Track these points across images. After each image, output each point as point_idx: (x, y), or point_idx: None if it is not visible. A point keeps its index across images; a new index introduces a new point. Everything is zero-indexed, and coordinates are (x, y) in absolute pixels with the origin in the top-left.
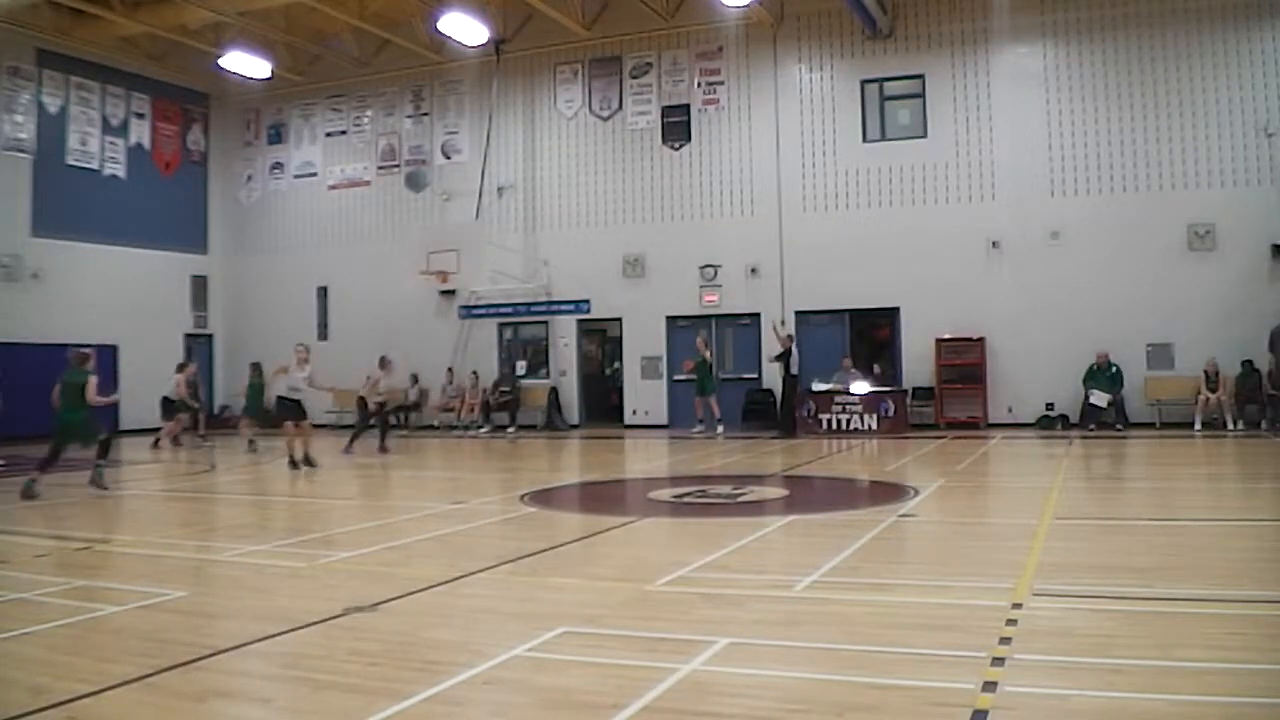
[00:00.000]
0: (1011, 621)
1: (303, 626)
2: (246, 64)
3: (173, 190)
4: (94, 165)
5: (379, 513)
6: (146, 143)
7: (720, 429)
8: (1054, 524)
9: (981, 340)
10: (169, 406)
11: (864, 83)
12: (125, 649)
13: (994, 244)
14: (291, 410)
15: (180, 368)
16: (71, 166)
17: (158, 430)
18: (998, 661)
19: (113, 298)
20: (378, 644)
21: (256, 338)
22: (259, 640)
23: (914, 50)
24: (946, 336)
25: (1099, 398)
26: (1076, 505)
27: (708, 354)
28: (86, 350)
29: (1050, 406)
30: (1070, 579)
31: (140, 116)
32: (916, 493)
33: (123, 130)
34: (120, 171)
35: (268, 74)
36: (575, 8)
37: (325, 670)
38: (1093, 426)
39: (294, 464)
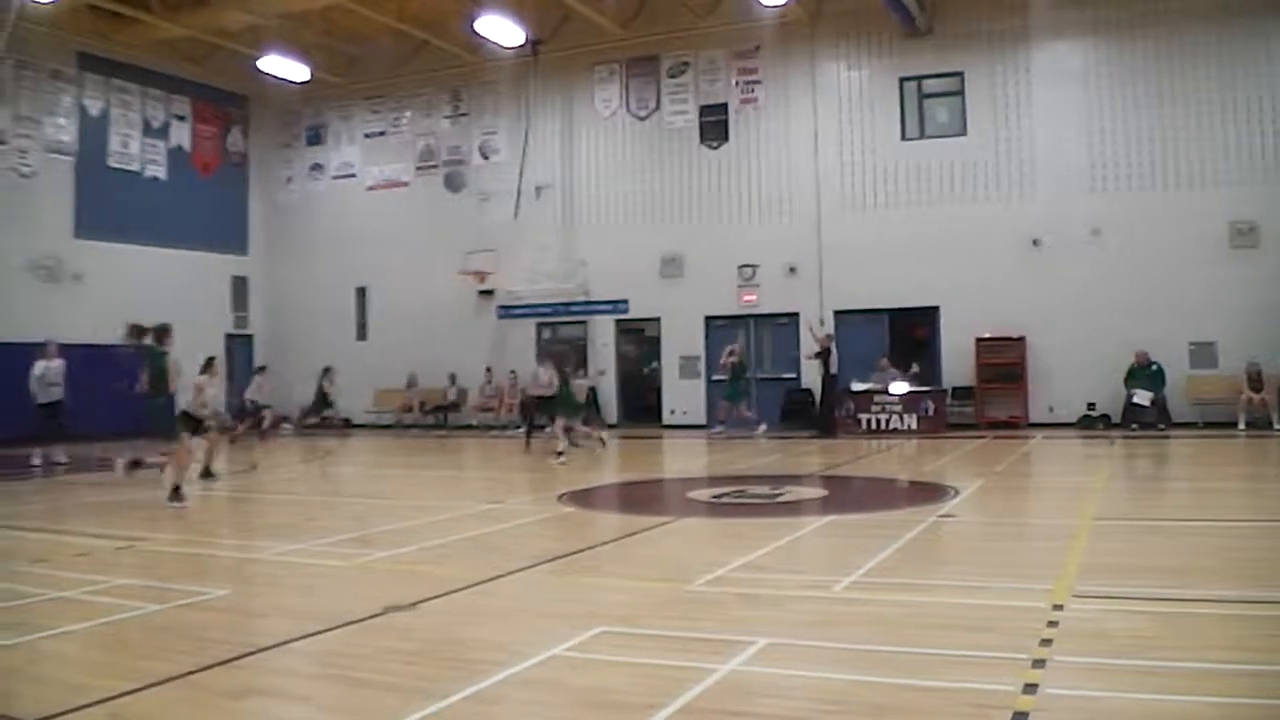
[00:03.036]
0: (1052, 623)
1: (342, 625)
2: (285, 66)
3: (213, 192)
4: (135, 167)
5: (416, 513)
6: (187, 145)
7: (762, 427)
8: (1095, 525)
9: (1022, 339)
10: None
11: (902, 80)
12: (166, 647)
13: (1034, 242)
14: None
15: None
16: (113, 169)
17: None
18: (1038, 663)
19: (154, 299)
20: (416, 643)
21: (296, 338)
22: (298, 639)
23: (952, 48)
24: (986, 336)
25: (1141, 397)
26: (1117, 506)
27: (732, 360)
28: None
29: (1092, 406)
30: (1111, 580)
31: (180, 119)
32: (956, 493)
33: (163, 132)
34: (161, 173)
35: (306, 76)
36: (612, 8)
37: (364, 669)
38: (1134, 426)
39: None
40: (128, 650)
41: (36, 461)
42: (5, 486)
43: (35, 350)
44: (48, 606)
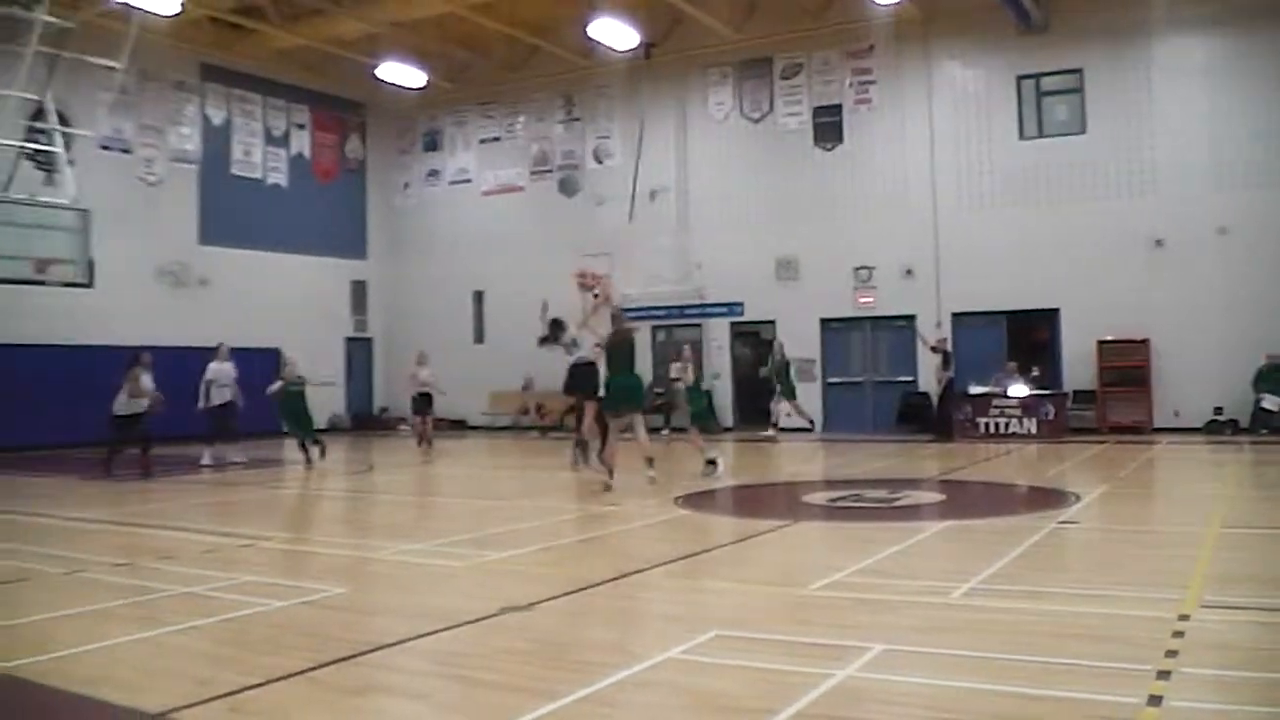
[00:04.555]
0: (1178, 634)
1: (459, 625)
2: (401, 74)
3: (332, 198)
4: (257, 175)
5: (533, 514)
6: (307, 152)
7: (814, 428)
8: (1222, 533)
9: (1145, 342)
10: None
11: (1019, 78)
12: (287, 643)
13: (1157, 242)
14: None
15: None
16: (235, 176)
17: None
18: (1163, 675)
19: (276, 302)
20: (532, 643)
21: (414, 340)
22: (416, 637)
23: (1070, 44)
24: (1108, 338)
25: (1271, 402)
26: (1246, 514)
27: (779, 357)
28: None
29: (1219, 411)
30: (1239, 590)
31: (300, 127)
32: (1078, 499)
33: (284, 141)
34: (282, 180)
35: (422, 83)
36: (723, 10)
37: (480, 668)
38: (1264, 432)
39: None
40: (250, 645)
41: (207, 460)
42: (135, 486)
43: (168, 354)
44: (174, 602)
